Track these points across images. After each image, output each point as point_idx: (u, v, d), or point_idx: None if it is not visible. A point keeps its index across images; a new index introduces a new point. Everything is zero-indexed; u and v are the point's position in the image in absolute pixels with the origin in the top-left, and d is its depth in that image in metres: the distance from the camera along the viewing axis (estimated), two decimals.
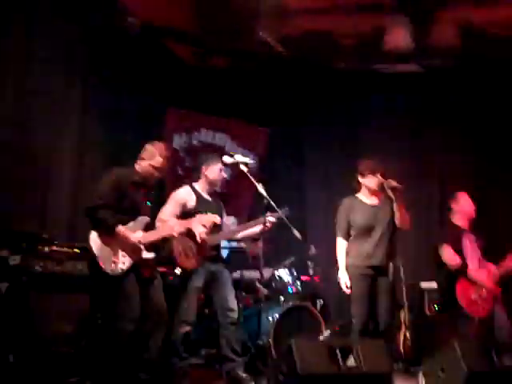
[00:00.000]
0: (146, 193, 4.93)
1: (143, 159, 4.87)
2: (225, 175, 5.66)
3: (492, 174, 7.92)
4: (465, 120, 8.09)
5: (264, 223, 5.31)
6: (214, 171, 5.57)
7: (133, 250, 4.73)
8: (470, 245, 5.85)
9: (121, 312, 4.64)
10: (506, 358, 4.80)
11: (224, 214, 5.76)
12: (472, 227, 6.02)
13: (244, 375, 5.36)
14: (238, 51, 7.63)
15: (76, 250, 5.43)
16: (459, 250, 5.84)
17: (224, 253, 6.11)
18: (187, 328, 5.38)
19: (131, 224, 4.77)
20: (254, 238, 5.88)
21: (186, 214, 5.38)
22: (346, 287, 5.27)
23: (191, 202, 5.49)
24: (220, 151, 7.46)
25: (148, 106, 7.11)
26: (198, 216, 5.26)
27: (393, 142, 8.04)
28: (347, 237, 5.40)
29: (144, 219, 4.84)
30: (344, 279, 5.28)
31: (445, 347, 4.86)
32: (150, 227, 4.89)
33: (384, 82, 8.01)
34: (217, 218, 5.29)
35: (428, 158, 8.27)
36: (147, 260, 4.82)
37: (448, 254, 5.86)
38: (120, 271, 4.65)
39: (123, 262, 4.67)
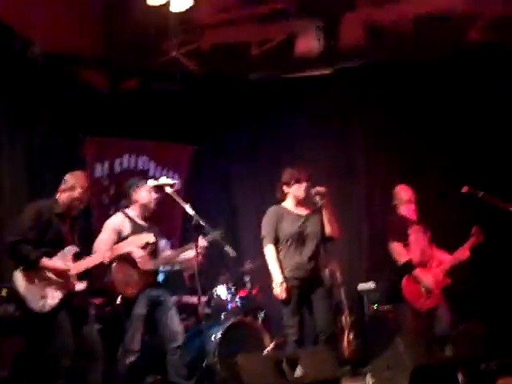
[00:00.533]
0: (70, 223, 4.83)
1: (64, 191, 4.79)
2: (155, 195, 5.58)
3: (422, 165, 8.08)
4: (383, 115, 8.25)
5: (196, 247, 5.24)
6: (143, 194, 5.51)
7: (62, 282, 4.60)
8: (414, 237, 5.91)
9: (55, 348, 4.50)
10: (448, 350, 4.90)
11: (160, 239, 5.69)
12: (420, 217, 6.04)
13: None
14: (150, 71, 7.56)
15: (3, 293, 5.26)
16: (406, 243, 5.87)
17: (160, 276, 6.04)
18: (133, 357, 5.29)
19: (58, 256, 4.66)
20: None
21: (121, 241, 5.25)
22: (286, 292, 5.13)
23: (126, 228, 5.41)
24: (144, 175, 7.36)
25: (65, 136, 6.93)
26: (131, 238, 5.17)
27: (316, 147, 8.11)
28: (276, 243, 5.29)
29: (72, 249, 4.74)
30: (284, 284, 5.12)
31: (388, 345, 4.91)
32: (79, 257, 4.78)
33: (301, 88, 8.08)
34: (150, 237, 5.20)
35: (351, 160, 8.39)
36: (79, 291, 4.70)
37: (397, 251, 5.86)
38: (49, 308, 4.52)
39: (52, 296, 4.54)
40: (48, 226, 4.65)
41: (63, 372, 4.47)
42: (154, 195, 5.57)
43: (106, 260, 4.92)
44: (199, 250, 5.32)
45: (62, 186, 4.80)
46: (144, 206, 5.54)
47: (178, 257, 5.70)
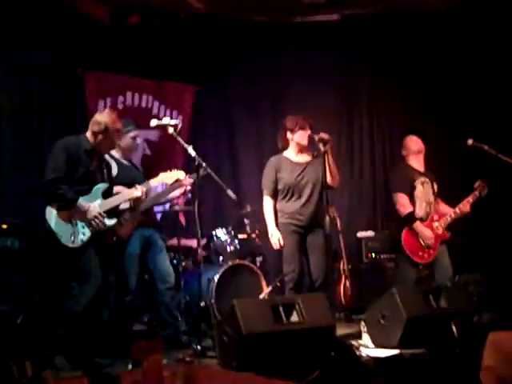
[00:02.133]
0: (99, 161, 4.83)
1: (93, 130, 4.73)
2: (138, 141, 5.65)
3: (426, 116, 8.02)
4: (389, 63, 8.15)
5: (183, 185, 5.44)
6: (126, 139, 5.46)
7: (92, 219, 4.63)
8: (422, 189, 5.88)
9: (83, 280, 4.57)
10: (443, 301, 4.94)
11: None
12: (427, 169, 6.03)
13: (184, 338, 5.41)
14: (154, 7, 7.35)
15: (3, 226, 5.27)
16: (412, 195, 5.83)
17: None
18: (128, 297, 5.35)
19: (90, 194, 4.68)
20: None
21: None
22: (279, 244, 5.26)
23: (113, 169, 5.35)
24: (146, 113, 7.28)
25: (66, 71, 6.80)
26: (162, 174, 5.27)
27: (319, 95, 8.01)
28: (274, 195, 5.40)
29: (102, 187, 4.75)
30: (276, 236, 5.29)
31: (384, 294, 4.94)
32: (109, 194, 4.82)
33: (306, 34, 7.91)
34: (182, 174, 5.29)
35: (354, 108, 8.31)
36: (108, 228, 4.75)
37: (401, 202, 5.81)
38: (80, 243, 4.56)
39: (83, 232, 4.58)
40: (77, 162, 4.65)
41: (88, 301, 4.54)
42: (137, 141, 5.62)
43: (140, 195, 4.93)
44: (187, 188, 5.50)
45: (93, 128, 4.74)
46: (125, 150, 5.52)
47: (165, 196, 5.70)
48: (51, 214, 4.58)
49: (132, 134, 5.51)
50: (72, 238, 4.54)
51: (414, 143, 6.02)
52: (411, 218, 5.75)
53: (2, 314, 5.04)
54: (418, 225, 5.75)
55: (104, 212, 4.69)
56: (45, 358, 4.50)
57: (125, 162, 5.53)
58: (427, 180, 5.92)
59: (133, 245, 5.34)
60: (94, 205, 4.66)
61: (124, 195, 4.92)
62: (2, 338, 4.72)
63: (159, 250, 5.51)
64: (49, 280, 5.41)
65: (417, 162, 5.98)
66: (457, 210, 5.84)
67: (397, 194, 5.86)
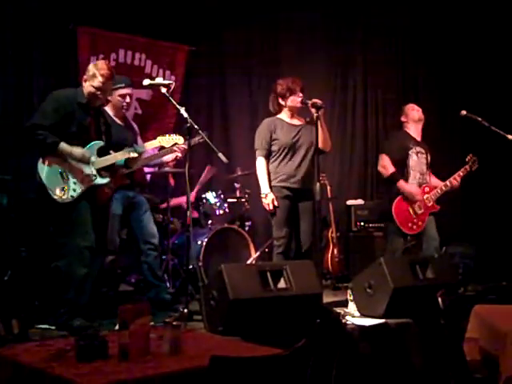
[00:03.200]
0: (95, 116, 4.71)
1: (85, 80, 4.63)
2: (128, 100, 5.47)
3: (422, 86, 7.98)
4: (384, 34, 8.09)
5: (175, 151, 5.38)
6: (114, 97, 5.35)
7: (83, 176, 4.55)
8: (416, 158, 5.86)
9: (77, 236, 4.48)
10: (429, 272, 4.96)
11: (139, 140, 5.62)
12: (422, 139, 6.02)
13: (168, 296, 5.40)
14: None
15: None
16: (403, 161, 5.83)
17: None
18: (111, 257, 5.35)
19: (84, 150, 4.56)
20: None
21: None
22: (273, 205, 5.19)
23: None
24: (139, 72, 7.18)
25: (58, 26, 6.67)
26: (160, 137, 5.20)
27: (314, 60, 7.94)
28: (267, 156, 5.32)
29: (97, 144, 4.64)
30: (270, 196, 5.20)
31: (372, 264, 4.96)
32: (105, 151, 4.70)
33: None
34: (180, 139, 5.22)
35: (349, 75, 8.25)
36: (101, 186, 4.66)
37: (383, 163, 5.83)
38: (70, 198, 4.47)
39: (74, 188, 4.50)
40: (70, 115, 4.54)
41: (87, 260, 4.48)
42: (127, 100, 5.45)
43: (133, 156, 4.86)
44: (179, 154, 5.41)
45: (84, 76, 4.65)
46: (115, 107, 5.42)
47: (158, 158, 5.65)
48: (42, 166, 4.50)
49: (121, 91, 5.38)
50: (62, 192, 4.46)
51: (415, 111, 5.99)
52: (394, 178, 5.75)
53: None
54: (401, 184, 5.75)
55: (97, 170, 4.61)
56: (32, 316, 4.51)
57: (118, 121, 5.44)
58: (422, 150, 5.92)
59: (114, 205, 5.27)
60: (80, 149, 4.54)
61: (118, 155, 4.82)
62: None
63: (143, 211, 5.46)
64: (37, 237, 5.36)
65: (414, 131, 5.96)
66: (447, 183, 5.84)
67: (381, 156, 5.89)
